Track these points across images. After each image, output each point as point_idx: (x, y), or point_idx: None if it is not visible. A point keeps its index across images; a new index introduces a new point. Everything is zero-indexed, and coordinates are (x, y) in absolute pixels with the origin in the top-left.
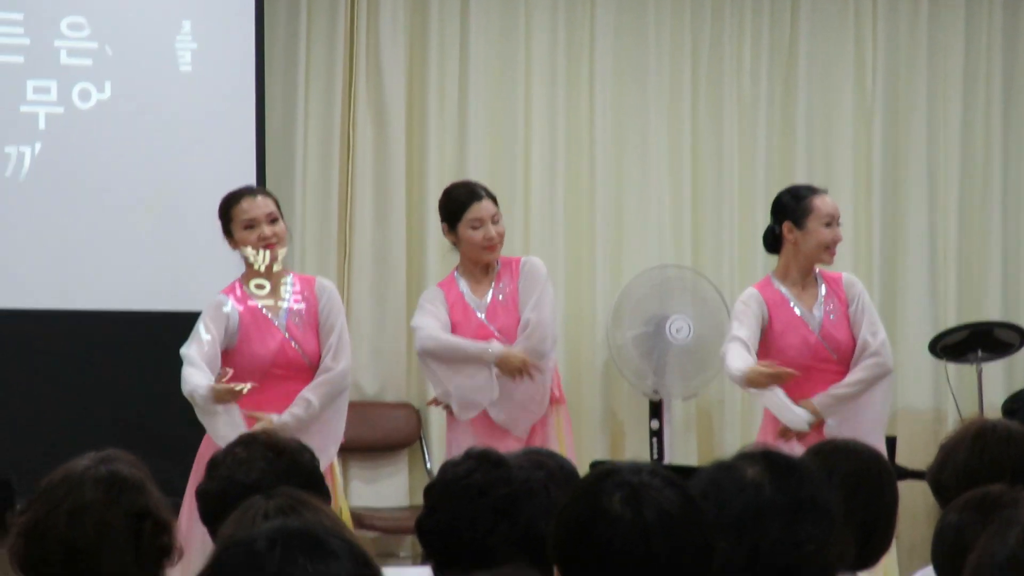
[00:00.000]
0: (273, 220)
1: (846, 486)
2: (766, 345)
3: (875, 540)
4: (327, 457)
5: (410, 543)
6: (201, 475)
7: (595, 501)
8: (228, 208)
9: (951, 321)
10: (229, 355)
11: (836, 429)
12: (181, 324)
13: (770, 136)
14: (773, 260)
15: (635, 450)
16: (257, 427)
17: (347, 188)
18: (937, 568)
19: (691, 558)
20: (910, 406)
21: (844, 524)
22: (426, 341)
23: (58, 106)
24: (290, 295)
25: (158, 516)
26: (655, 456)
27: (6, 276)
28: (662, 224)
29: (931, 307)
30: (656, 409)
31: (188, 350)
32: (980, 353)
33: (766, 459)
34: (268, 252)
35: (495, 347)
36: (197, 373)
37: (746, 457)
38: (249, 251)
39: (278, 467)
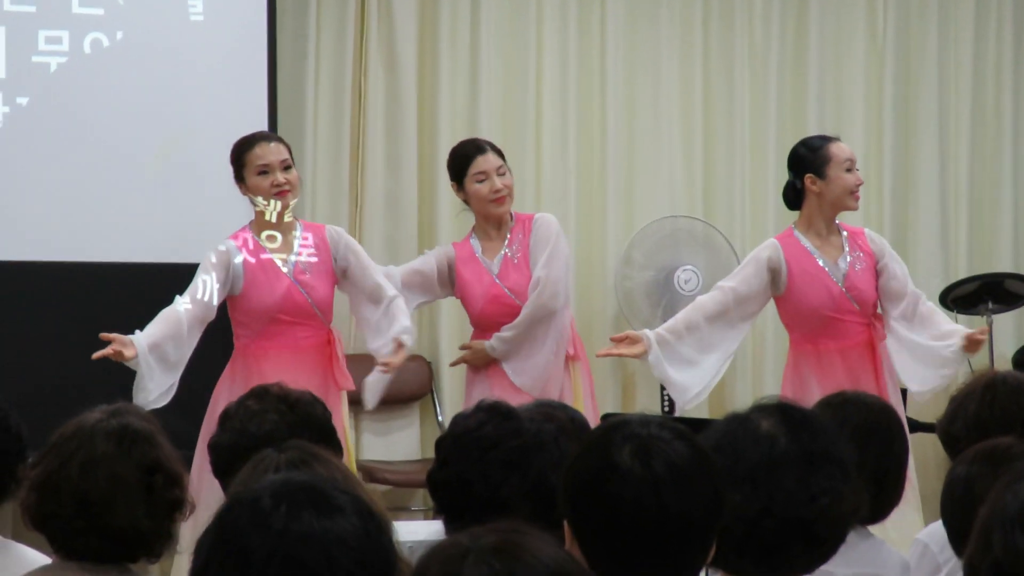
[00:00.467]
0: (287, 167)
1: (857, 438)
2: (788, 296)
3: (886, 493)
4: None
5: (422, 496)
6: (212, 427)
7: (605, 454)
8: (241, 153)
9: (962, 272)
10: (236, 301)
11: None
12: (192, 276)
13: (781, 84)
14: (784, 206)
15: (646, 403)
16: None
17: (359, 137)
18: (946, 520)
19: (702, 510)
20: None
21: (858, 477)
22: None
23: (70, 56)
24: (299, 246)
25: (170, 469)
26: (666, 408)
27: (17, 227)
28: (673, 174)
29: (942, 259)
30: None
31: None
32: (991, 305)
33: (781, 412)
34: (280, 201)
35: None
36: (151, 325)
37: (761, 409)
38: (260, 200)
39: (291, 420)
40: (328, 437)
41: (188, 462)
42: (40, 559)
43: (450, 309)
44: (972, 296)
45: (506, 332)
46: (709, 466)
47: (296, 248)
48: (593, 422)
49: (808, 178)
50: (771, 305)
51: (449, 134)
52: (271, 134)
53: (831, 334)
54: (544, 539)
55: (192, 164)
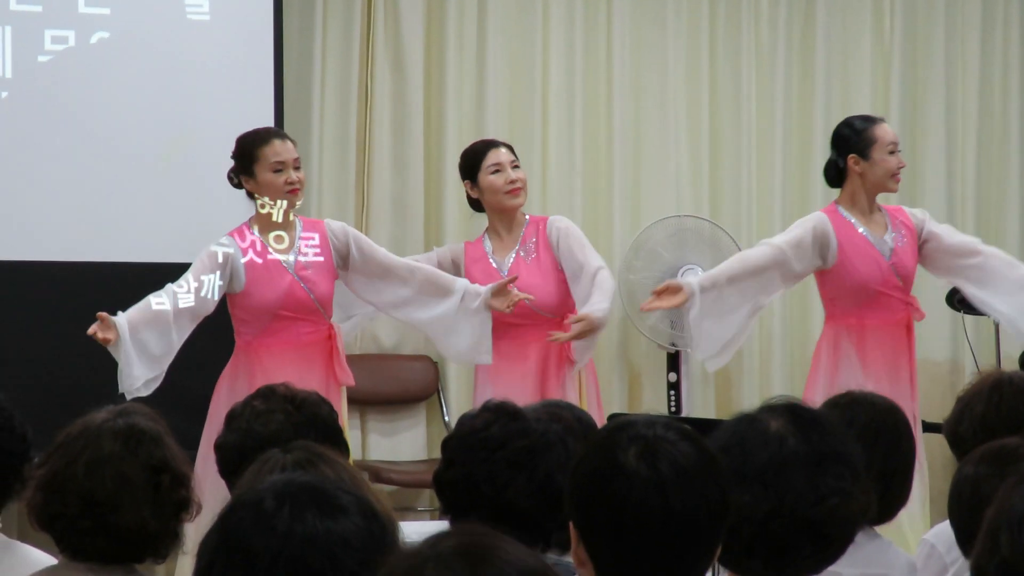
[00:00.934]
0: (298, 167)
1: (864, 438)
2: (836, 268)
3: (893, 493)
4: None
5: (428, 497)
6: (215, 426)
7: (610, 456)
8: (254, 147)
9: None
10: (237, 298)
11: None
12: None
13: (788, 85)
14: (791, 206)
15: (653, 403)
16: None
17: (365, 137)
18: (953, 520)
19: (707, 511)
20: (927, 358)
21: (867, 478)
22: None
23: (76, 55)
24: (301, 243)
25: (176, 469)
26: (672, 409)
27: (20, 227)
28: (680, 175)
29: None
30: (674, 361)
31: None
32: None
33: (790, 412)
34: (288, 200)
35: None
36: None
37: (770, 410)
38: (267, 200)
39: (297, 420)
40: (334, 437)
41: (192, 462)
42: (46, 559)
43: None
44: None
45: (603, 303)
46: (715, 467)
47: (297, 245)
48: (599, 422)
49: (852, 158)
50: (779, 303)
51: (456, 134)
52: (284, 132)
53: (876, 308)
54: (509, 541)
55: (198, 164)
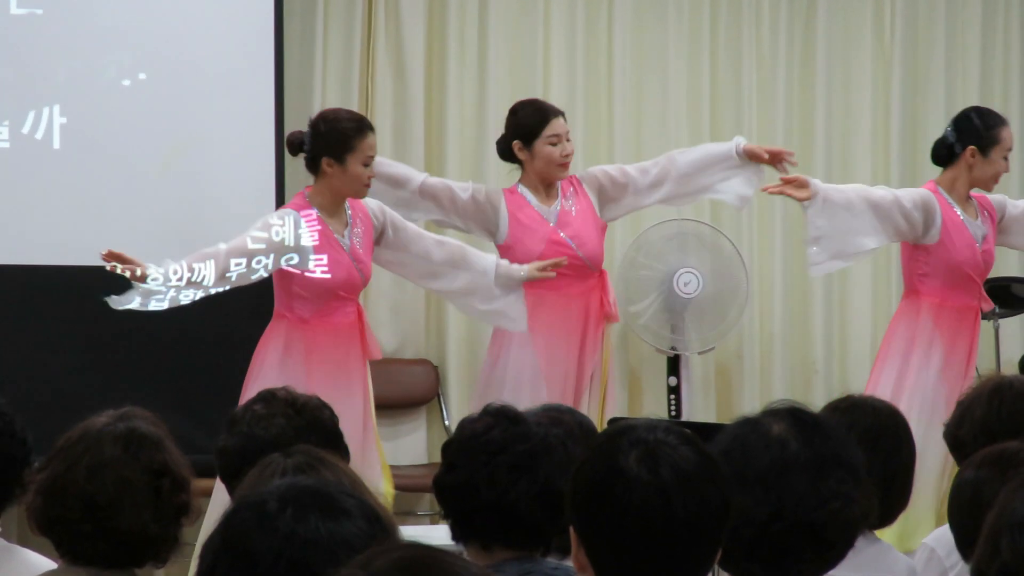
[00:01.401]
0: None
1: (864, 442)
2: (938, 246)
3: (893, 496)
4: None
5: (428, 501)
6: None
7: (611, 460)
8: (354, 136)
9: None
10: (299, 277)
11: None
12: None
13: (789, 88)
14: (792, 209)
15: (653, 407)
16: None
17: None
18: (953, 524)
19: (708, 516)
20: None
21: (869, 483)
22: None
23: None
24: (352, 223)
25: (177, 473)
26: (673, 413)
27: (21, 232)
28: None
29: None
30: (674, 365)
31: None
32: (997, 309)
33: (792, 416)
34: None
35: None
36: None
37: (772, 414)
38: (352, 188)
39: (298, 424)
40: (335, 442)
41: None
42: (45, 564)
43: (456, 312)
44: None
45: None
46: (716, 471)
47: (350, 227)
48: (607, 409)
49: (971, 149)
50: (780, 307)
51: (457, 139)
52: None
53: (960, 291)
54: (451, 555)
55: (199, 168)
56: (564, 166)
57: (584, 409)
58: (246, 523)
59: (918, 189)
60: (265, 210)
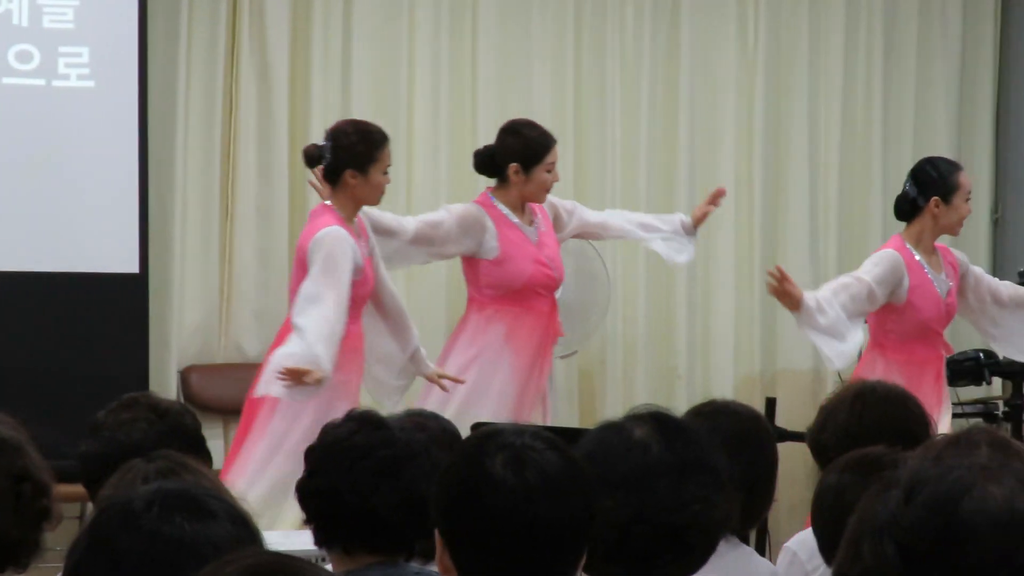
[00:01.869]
0: None
1: (727, 446)
2: (905, 307)
3: (756, 500)
4: None
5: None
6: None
7: (477, 463)
8: (377, 148)
9: None
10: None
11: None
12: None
13: (652, 92)
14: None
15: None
16: None
17: (230, 146)
18: (817, 529)
19: (573, 520)
20: (790, 367)
21: (731, 487)
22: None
23: None
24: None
25: (38, 478)
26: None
27: None
28: None
29: (811, 269)
30: None
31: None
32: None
33: (654, 420)
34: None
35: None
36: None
37: (634, 418)
38: (376, 195)
39: (160, 429)
40: (198, 447)
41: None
42: None
43: None
44: None
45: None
46: (581, 477)
47: (360, 236)
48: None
49: (934, 200)
50: (643, 313)
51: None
52: None
53: (927, 345)
54: (304, 562)
55: (63, 170)
56: (548, 192)
57: (538, 421)
58: (111, 522)
59: (886, 255)
60: (128, 211)
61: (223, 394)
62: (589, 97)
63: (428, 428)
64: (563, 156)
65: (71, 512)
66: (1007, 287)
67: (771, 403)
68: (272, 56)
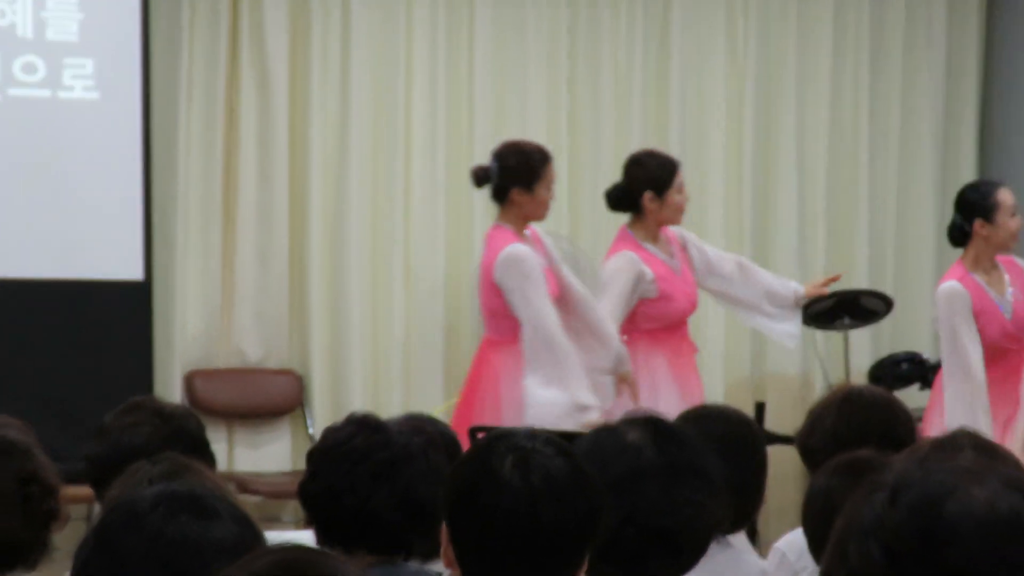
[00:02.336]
0: None
1: (719, 450)
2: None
3: (745, 502)
4: None
5: (293, 507)
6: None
7: (485, 464)
8: (542, 165)
9: None
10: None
11: None
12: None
13: (644, 102)
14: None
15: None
16: None
17: (230, 151)
18: (807, 531)
19: (575, 525)
20: (779, 372)
21: (723, 491)
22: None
23: None
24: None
25: (45, 480)
26: None
27: None
28: None
29: (800, 275)
30: None
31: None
32: (847, 320)
33: (649, 424)
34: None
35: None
36: None
37: (629, 422)
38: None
39: (164, 432)
40: (201, 450)
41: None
42: None
43: (320, 322)
44: (829, 313)
45: None
46: (587, 483)
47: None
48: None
49: (978, 223)
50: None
51: (320, 150)
52: None
53: (998, 362)
54: (330, 556)
55: (68, 178)
56: (683, 212)
57: None
58: (117, 523)
59: (957, 295)
60: (132, 219)
61: (225, 397)
62: (582, 104)
63: (426, 431)
64: (557, 164)
65: (78, 513)
66: None
67: (760, 407)
68: (272, 65)
